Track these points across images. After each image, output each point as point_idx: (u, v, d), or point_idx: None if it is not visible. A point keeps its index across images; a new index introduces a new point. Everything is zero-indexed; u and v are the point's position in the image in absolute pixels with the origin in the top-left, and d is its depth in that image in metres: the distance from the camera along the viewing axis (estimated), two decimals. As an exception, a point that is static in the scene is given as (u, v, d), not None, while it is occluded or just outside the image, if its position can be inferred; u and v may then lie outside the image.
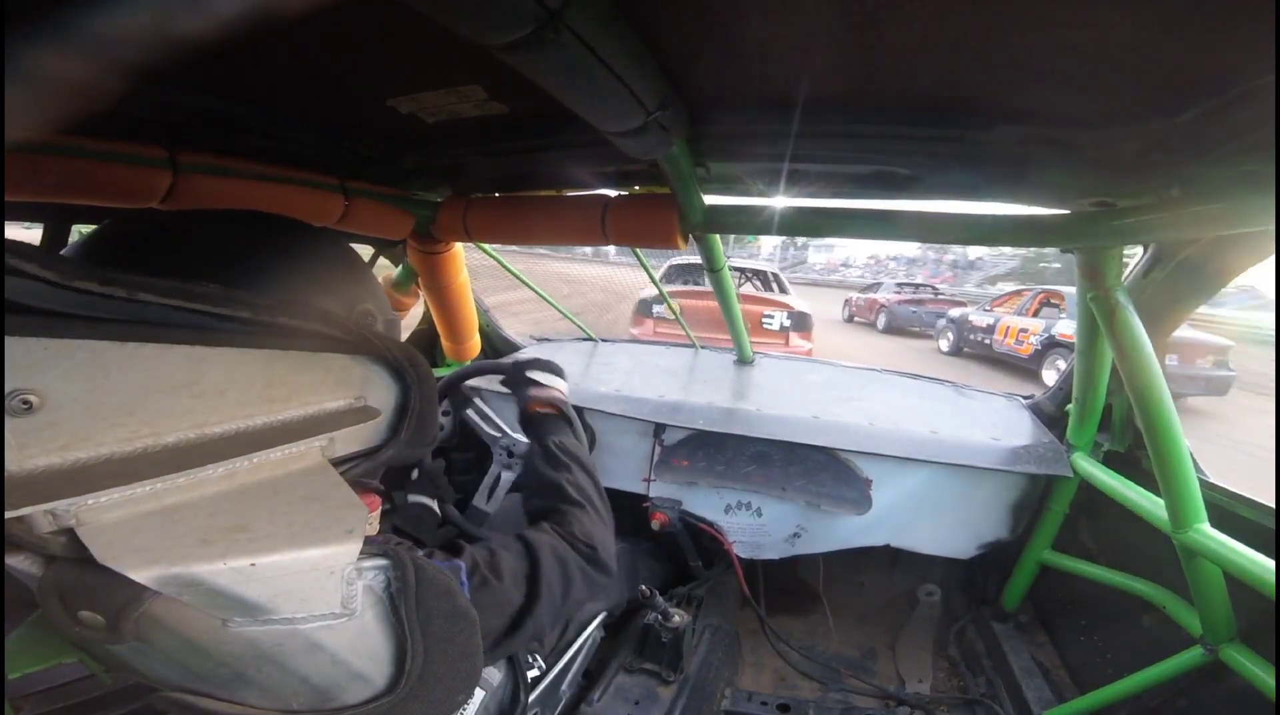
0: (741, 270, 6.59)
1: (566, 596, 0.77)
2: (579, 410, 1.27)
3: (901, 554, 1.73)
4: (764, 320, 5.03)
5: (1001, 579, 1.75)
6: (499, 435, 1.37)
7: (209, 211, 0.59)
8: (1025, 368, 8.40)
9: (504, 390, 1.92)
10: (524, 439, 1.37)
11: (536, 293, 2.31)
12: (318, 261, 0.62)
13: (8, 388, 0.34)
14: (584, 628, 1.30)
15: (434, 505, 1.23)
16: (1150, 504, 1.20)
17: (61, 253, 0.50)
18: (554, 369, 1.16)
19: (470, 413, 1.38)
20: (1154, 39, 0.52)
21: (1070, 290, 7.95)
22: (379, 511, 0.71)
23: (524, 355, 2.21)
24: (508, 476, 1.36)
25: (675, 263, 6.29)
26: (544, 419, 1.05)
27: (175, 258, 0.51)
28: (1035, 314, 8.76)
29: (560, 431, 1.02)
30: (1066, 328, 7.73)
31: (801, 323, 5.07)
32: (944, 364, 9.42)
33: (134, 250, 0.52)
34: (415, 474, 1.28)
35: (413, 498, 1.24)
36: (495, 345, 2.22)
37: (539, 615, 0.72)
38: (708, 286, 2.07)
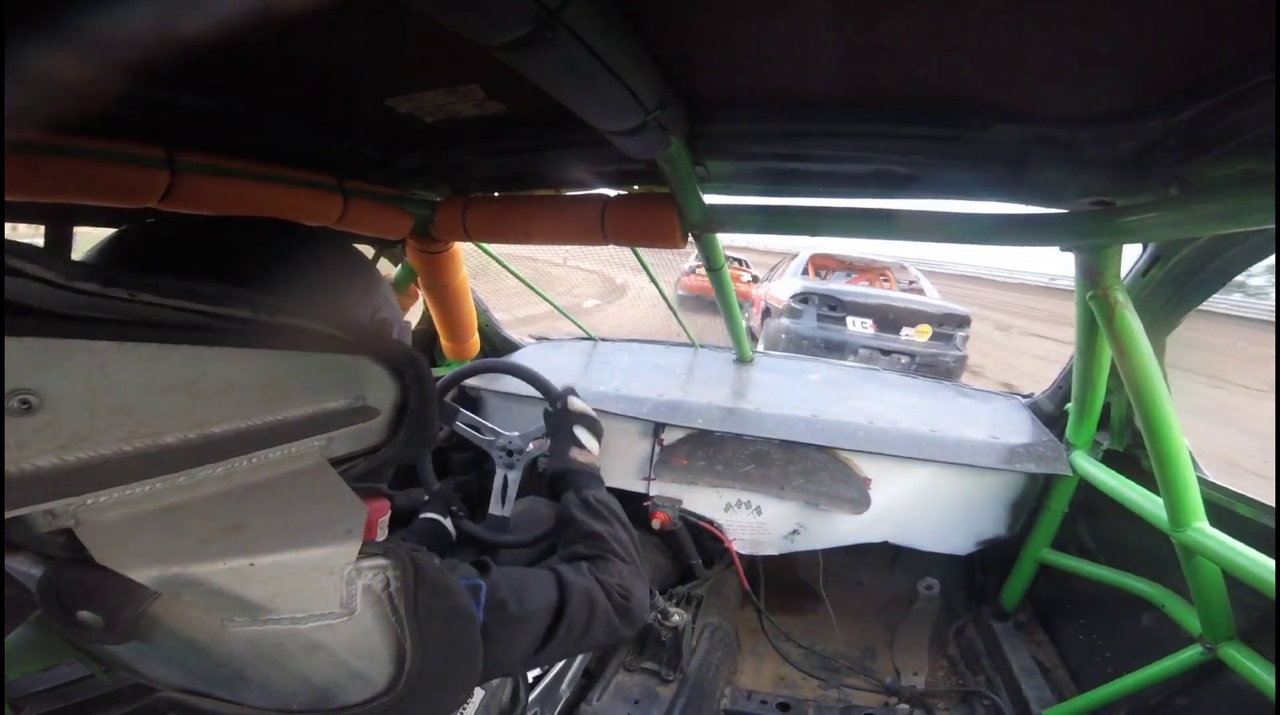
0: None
1: (583, 640, 0.76)
2: None
3: (901, 552, 1.73)
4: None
5: (1001, 578, 1.75)
6: (493, 437, 1.37)
7: (240, 221, 0.61)
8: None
9: (504, 391, 1.93)
10: (515, 434, 1.36)
11: (538, 293, 2.31)
12: (339, 271, 0.64)
13: (7, 388, 0.34)
14: None
15: (447, 522, 1.24)
16: (1149, 503, 1.20)
17: (84, 255, 0.51)
18: (597, 430, 1.19)
19: (459, 425, 1.37)
20: (1152, 37, 0.52)
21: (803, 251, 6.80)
22: (387, 516, 0.71)
23: (524, 357, 2.20)
24: (513, 476, 1.35)
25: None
26: (581, 472, 1.07)
27: (204, 268, 0.52)
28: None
29: (598, 487, 1.04)
30: (774, 289, 6.06)
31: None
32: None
33: (163, 257, 0.53)
34: (425, 497, 1.29)
35: (425, 515, 1.24)
36: (495, 344, 2.22)
37: (550, 651, 0.72)
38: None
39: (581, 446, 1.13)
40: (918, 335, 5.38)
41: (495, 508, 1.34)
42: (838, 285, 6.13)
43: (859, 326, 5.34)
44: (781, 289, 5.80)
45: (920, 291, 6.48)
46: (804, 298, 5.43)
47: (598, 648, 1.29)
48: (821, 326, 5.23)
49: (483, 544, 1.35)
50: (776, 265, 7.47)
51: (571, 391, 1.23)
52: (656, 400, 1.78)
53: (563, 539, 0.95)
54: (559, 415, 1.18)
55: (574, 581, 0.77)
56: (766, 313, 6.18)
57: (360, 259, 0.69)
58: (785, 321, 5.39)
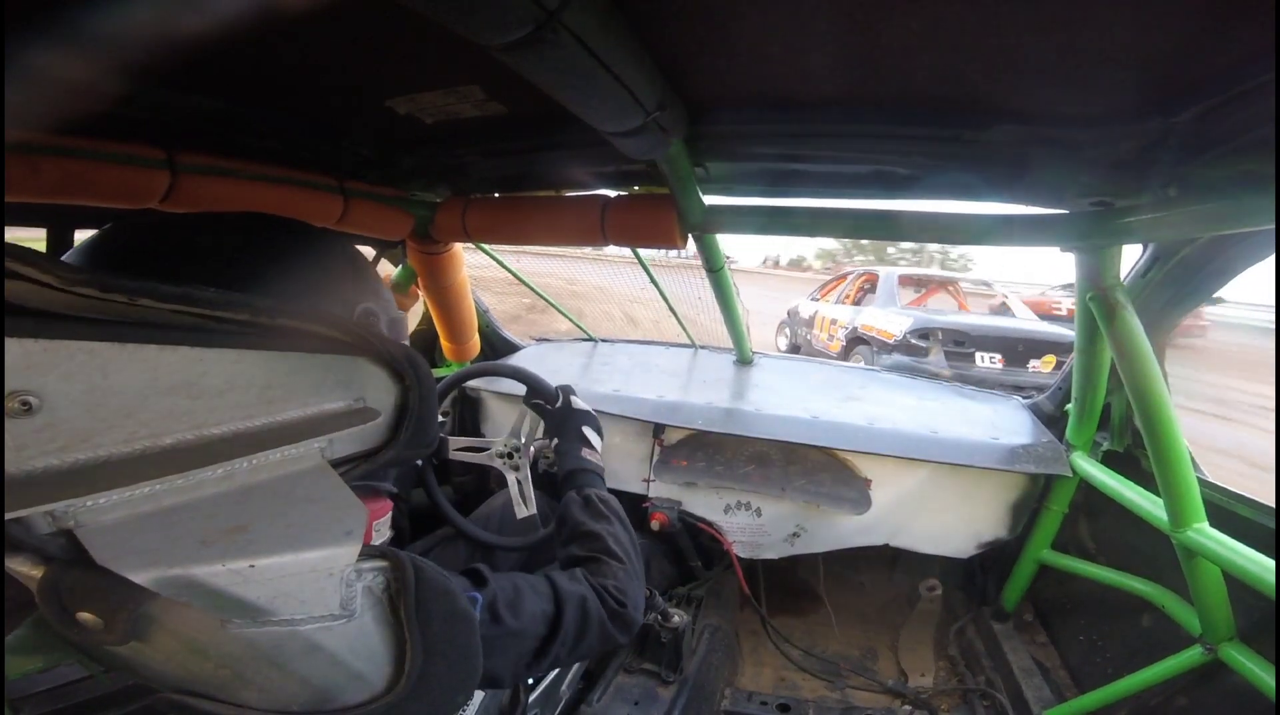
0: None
1: (576, 649, 0.76)
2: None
3: (901, 554, 1.72)
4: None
5: (1001, 579, 1.75)
6: (486, 449, 1.35)
7: (213, 215, 0.60)
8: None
9: (504, 392, 1.93)
10: (507, 437, 1.34)
11: (538, 294, 2.31)
12: (319, 263, 0.62)
13: (7, 389, 0.34)
14: None
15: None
16: (1149, 503, 1.20)
17: (65, 257, 0.51)
18: (599, 427, 1.18)
19: (455, 452, 1.35)
20: (1152, 38, 0.52)
21: (884, 269, 6.63)
22: (389, 516, 0.71)
23: (524, 357, 2.20)
24: (524, 475, 1.33)
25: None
26: (589, 472, 1.07)
27: (180, 263, 0.52)
28: (854, 301, 6.67)
29: (599, 486, 1.04)
30: (869, 319, 5.77)
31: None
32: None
33: (138, 255, 0.52)
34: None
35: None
36: (494, 345, 2.22)
37: (543, 662, 0.72)
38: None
39: (591, 446, 1.13)
40: (1043, 366, 4.91)
41: (520, 511, 1.32)
42: (958, 317, 5.54)
43: (987, 362, 4.91)
44: (886, 321, 5.37)
45: (1010, 311, 6.02)
46: (924, 334, 4.91)
47: (591, 655, 1.29)
48: (952, 365, 4.76)
49: (479, 545, 1.34)
50: (834, 284, 7.26)
51: (570, 390, 1.21)
52: (656, 401, 1.78)
53: (560, 536, 0.95)
54: (562, 414, 1.16)
55: (569, 590, 0.76)
56: (857, 341, 5.79)
57: (349, 252, 0.67)
58: (906, 360, 4.91)
